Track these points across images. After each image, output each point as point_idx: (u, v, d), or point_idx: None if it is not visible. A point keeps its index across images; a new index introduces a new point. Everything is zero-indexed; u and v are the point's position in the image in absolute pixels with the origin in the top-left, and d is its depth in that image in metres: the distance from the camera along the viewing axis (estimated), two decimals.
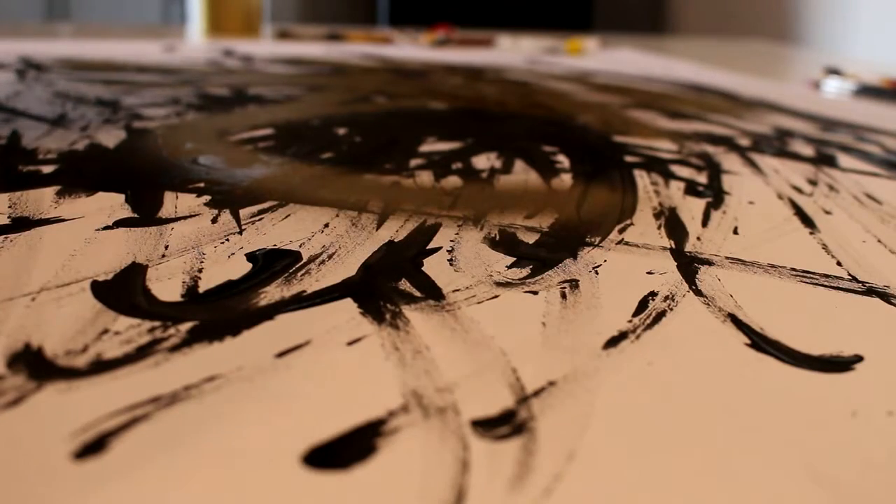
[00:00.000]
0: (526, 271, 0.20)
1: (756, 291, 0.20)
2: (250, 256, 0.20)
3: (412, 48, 0.86)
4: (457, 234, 0.23)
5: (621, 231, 0.24)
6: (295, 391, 0.14)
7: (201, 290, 0.18)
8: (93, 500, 0.11)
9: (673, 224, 0.25)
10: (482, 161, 0.32)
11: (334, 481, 0.12)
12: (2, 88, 0.45)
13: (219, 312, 0.17)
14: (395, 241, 0.22)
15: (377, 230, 0.23)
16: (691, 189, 0.29)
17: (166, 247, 0.21)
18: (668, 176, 0.31)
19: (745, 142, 0.39)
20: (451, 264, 0.21)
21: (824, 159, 0.36)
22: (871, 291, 0.20)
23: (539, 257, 0.21)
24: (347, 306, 0.18)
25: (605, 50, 0.94)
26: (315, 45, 0.84)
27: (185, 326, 0.16)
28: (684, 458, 0.13)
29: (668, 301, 0.19)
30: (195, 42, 0.84)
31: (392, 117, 0.42)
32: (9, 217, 0.23)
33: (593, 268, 0.21)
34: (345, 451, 0.12)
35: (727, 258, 0.22)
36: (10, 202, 0.24)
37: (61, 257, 0.20)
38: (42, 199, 0.24)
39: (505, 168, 0.31)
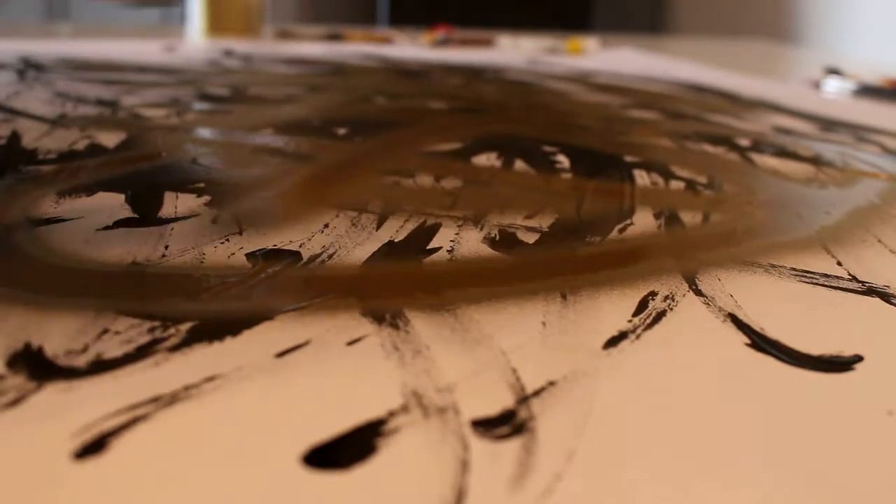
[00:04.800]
0: None
1: (756, 291, 0.20)
2: (250, 256, 0.20)
3: (412, 48, 0.86)
4: (457, 234, 0.23)
5: (621, 231, 0.24)
6: (295, 391, 0.14)
7: None
8: (93, 500, 0.11)
9: (673, 224, 0.25)
10: (482, 161, 0.32)
11: (334, 481, 0.12)
12: (2, 88, 0.45)
13: (219, 312, 0.17)
14: (395, 241, 0.22)
15: (377, 230, 0.23)
16: (691, 189, 0.29)
17: (166, 247, 0.21)
18: (668, 176, 0.31)
19: (744, 142, 0.39)
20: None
21: (824, 159, 0.36)
22: (871, 291, 0.20)
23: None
24: (347, 306, 0.18)
25: (605, 50, 0.94)
26: (315, 45, 0.84)
27: (185, 326, 0.16)
28: (684, 458, 0.13)
29: (668, 301, 0.19)
30: (195, 42, 0.84)
31: (392, 117, 0.42)
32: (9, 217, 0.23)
33: None
34: (345, 451, 0.12)
35: (727, 258, 0.22)
36: (10, 202, 0.24)
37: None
38: (42, 199, 0.24)
39: (505, 168, 0.31)
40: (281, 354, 0.15)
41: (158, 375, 0.14)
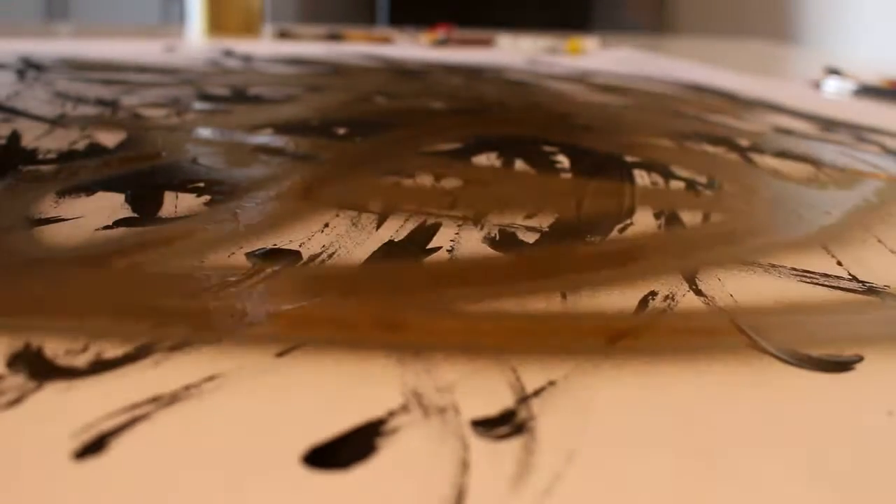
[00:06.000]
0: None
1: (756, 291, 0.20)
2: (250, 256, 0.20)
3: (412, 48, 0.86)
4: (457, 233, 0.23)
5: (621, 231, 0.24)
6: (295, 391, 0.14)
7: None
8: (93, 500, 0.11)
9: (673, 224, 0.25)
10: (482, 161, 0.32)
11: (334, 481, 0.12)
12: (2, 88, 0.45)
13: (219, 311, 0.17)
14: (395, 240, 0.22)
15: (377, 230, 0.23)
16: (691, 188, 0.29)
17: None
18: (668, 176, 0.31)
19: (744, 142, 0.39)
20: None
21: (824, 159, 0.36)
22: (871, 291, 0.20)
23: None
24: (348, 306, 0.18)
25: (605, 50, 0.94)
26: (315, 45, 0.84)
27: (185, 326, 0.16)
28: (684, 458, 0.13)
29: (668, 301, 0.19)
30: (195, 42, 0.84)
31: (392, 117, 0.42)
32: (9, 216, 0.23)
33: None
34: (345, 451, 0.12)
35: (727, 258, 0.22)
36: (10, 202, 0.24)
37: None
38: (42, 199, 0.24)
39: (505, 168, 0.31)
40: (281, 354, 0.15)
41: (158, 375, 0.14)
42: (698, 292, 0.19)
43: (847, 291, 0.20)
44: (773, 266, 0.22)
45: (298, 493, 0.11)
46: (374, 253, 0.21)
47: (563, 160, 0.33)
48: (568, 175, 0.31)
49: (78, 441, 0.12)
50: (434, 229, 0.23)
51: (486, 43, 0.93)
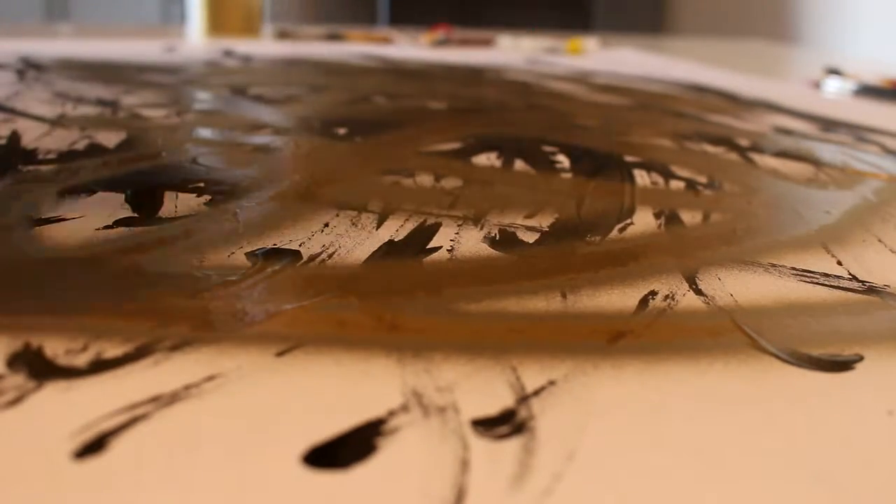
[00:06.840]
0: None
1: (756, 291, 0.20)
2: (250, 255, 0.20)
3: (412, 48, 0.86)
4: (457, 233, 0.23)
5: (621, 231, 0.24)
6: (295, 391, 0.14)
7: None
8: (93, 500, 0.11)
9: (673, 223, 0.25)
10: (482, 161, 0.32)
11: (334, 481, 0.12)
12: (2, 88, 0.45)
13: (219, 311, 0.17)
14: (395, 240, 0.22)
15: (377, 230, 0.23)
16: (692, 188, 0.29)
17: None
18: (668, 176, 0.31)
19: (744, 142, 0.39)
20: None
21: (824, 159, 0.36)
22: (871, 291, 0.20)
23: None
24: (348, 306, 0.18)
25: (605, 50, 0.94)
26: (315, 45, 0.84)
27: (186, 326, 0.16)
28: (684, 458, 0.13)
29: (668, 300, 0.19)
30: (195, 42, 0.84)
31: (392, 117, 0.42)
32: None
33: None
34: (345, 451, 0.12)
35: (727, 258, 0.22)
36: (10, 202, 0.24)
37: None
38: (42, 199, 0.24)
39: (505, 168, 0.31)
40: (281, 354, 0.15)
41: (158, 375, 0.14)
42: (698, 292, 0.19)
43: (847, 291, 0.20)
44: (773, 266, 0.22)
45: (298, 493, 0.11)
46: (374, 253, 0.21)
47: (563, 160, 0.33)
48: (568, 175, 0.31)
49: (78, 441, 0.12)
50: (434, 229, 0.23)
51: (486, 43, 0.93)
